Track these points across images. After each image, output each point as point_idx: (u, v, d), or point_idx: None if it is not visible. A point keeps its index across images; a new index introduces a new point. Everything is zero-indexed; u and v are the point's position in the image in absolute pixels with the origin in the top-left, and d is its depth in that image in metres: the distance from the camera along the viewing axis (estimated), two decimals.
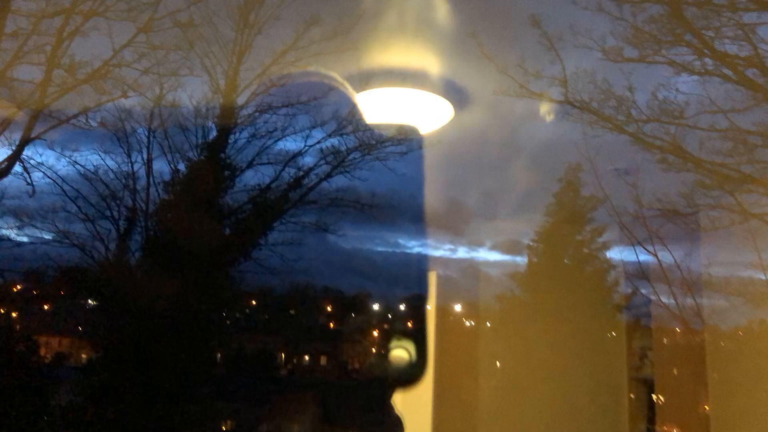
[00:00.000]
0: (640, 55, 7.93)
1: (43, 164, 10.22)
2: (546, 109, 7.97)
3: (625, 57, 8.00)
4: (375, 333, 12.07)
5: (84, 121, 9.71)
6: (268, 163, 11.31)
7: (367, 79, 10.91)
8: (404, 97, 7.85)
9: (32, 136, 9.19)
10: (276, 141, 11.37)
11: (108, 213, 11.32)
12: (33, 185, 9.83)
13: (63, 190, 11.07)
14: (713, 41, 7.49)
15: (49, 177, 10.58)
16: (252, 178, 11.33)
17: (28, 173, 9.59)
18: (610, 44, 7.93)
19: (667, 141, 7.92)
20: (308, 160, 11.28)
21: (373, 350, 12.07)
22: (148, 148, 11.19)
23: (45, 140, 9.53)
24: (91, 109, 9.66)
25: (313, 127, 11.25)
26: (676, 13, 7.45)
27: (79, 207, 11.16)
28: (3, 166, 9.10)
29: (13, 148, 9.08)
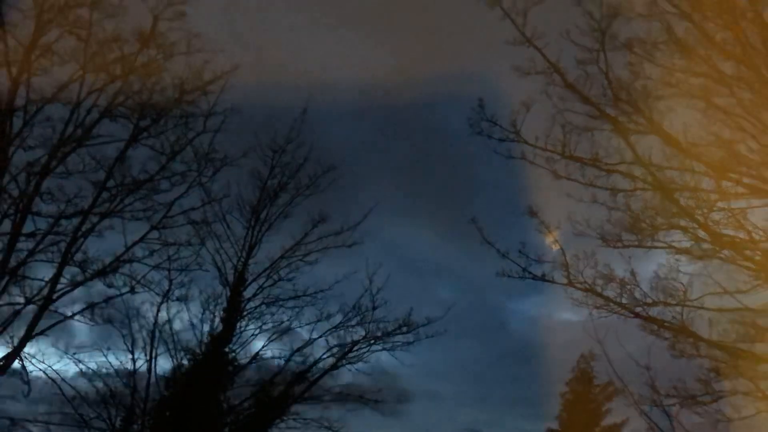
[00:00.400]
0: (637, 241, 8.12)
1: (43, 362, 10.18)
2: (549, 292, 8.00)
3: (624, 243, 8.19)
4: None
5: (90, 316, 9.73)
6: (272, 358, 11.31)
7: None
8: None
9: (35, 332, 9.10)
10: (281, 334, 11.48)
11: (105, 414, 10.97)
12: (29, 384, 9.59)
13: (60, 390, 10.85)
14: (707, 225, 7.68)
15: (47, 375, 10.46)
16: (256, 372, 11.28)
17: (26, 371, 9.39)
18: (607, 230, 8.17)
19: (675, 324, 7.80)
20: (313, 353, 11.17)
21: None
22: (152, 343, 11.09)
23: (48, 336, 9.47)
24: (99, 304, 9.74)
25: (319, 320, 11.31)
26: (670, 198, 7.74)
27: (74, 408, 10.87)
28: (1, 363, 8.89)
29: (15, 344, 8.94)
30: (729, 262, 7.65)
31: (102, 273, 9.52)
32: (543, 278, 8.08)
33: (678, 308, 7.78)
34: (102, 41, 9.07)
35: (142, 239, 9.65)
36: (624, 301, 7.90)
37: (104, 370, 10.58)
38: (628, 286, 7.94)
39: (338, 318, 11.01)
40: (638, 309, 7.90)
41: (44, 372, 10.10)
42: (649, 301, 7.89)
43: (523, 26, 8.11)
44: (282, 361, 10.83)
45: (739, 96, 7.44)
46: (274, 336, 10.98)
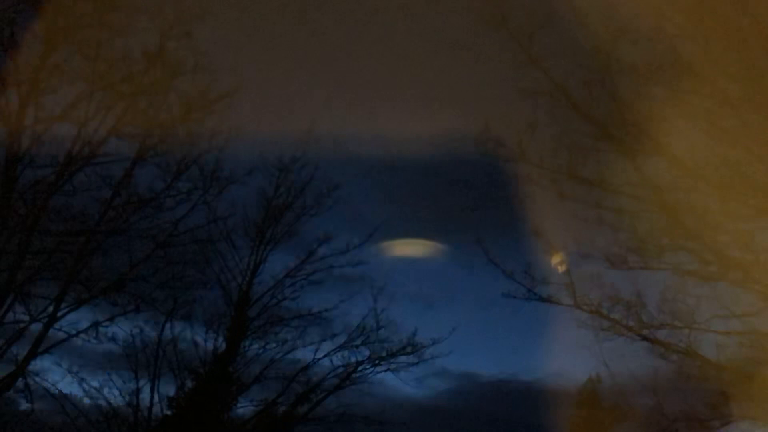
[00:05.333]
0: (644, 262, 8.06)
1: (47, 380, 10.19)
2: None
3: (630, 264, 8.13)
4: None
5: (94, 335, 9.74)
6: (276, 378, 11.27)
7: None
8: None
9: (40, 350, 9.10)
10: (285, 354, 11.43)
11: None
12: (33, 403, 9.58)
13: (63, 409, 10.84)
14: (714, 247, 7.63)
15: (50, 394, 10.46)
16: (259, 392, 11.22)
17: (30, 390, 9.39)
18: (613, 252, 8.12)
19: (682, 347, 7.73)
20: (317, 373, 11.11)
21: None
22: (156, 362, 11.12)
23: (52, 354, 9.48)
24: (103, 323, 9.76)
25: (324, 340, 11.24)
26: (676, 220, 7.70)
27: (77, 427, 10.82)
28: (5, 381, 8.88)
29: (19, 362, 8.93)
30: (736, 285, 7.59)
31: (107, 291, 9.56)
32: (549, 300, 8.06)
33: (685, 331, 7.73)
34: (110, 60, 9.15)
35: (147, 258, 9.68)
36: (630, 323, 7.86)
37: (107, 389, 10.57)
38: (635, 308, 7.90)
39: (342, 338, 11.00)
40: (645, 331, 7.85)
41: (47, 390, 10.12)
42: (655, 323, 7.84)
43: (529, 48, 8.16)
44: (286, 382, 10.79)
45: (745, 117, 7.42)
46: (278, 356, 10.94)
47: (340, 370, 10.97)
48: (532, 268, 8.08)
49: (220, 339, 10.69)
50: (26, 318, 8.96)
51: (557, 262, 8.16)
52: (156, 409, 10.54)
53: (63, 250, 9.26)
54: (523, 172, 8.18)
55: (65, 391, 10.36)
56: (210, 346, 10.70)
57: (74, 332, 9.48)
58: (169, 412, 10.42)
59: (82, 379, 10.50)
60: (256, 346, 10.81)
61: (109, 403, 10.54)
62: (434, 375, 12.34)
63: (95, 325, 9.61)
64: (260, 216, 11.31)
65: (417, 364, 10.98)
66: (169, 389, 10.69)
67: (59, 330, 9.25)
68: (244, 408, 10.76)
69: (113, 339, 10.12)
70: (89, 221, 9.33)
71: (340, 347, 11.03)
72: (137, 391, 10.64)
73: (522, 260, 8.18)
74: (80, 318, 9.45)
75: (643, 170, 7.76)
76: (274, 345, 10.90)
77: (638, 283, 7.93)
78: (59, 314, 9.10)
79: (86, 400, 10.58)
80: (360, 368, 10.96)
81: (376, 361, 10.96)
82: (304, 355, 11.13)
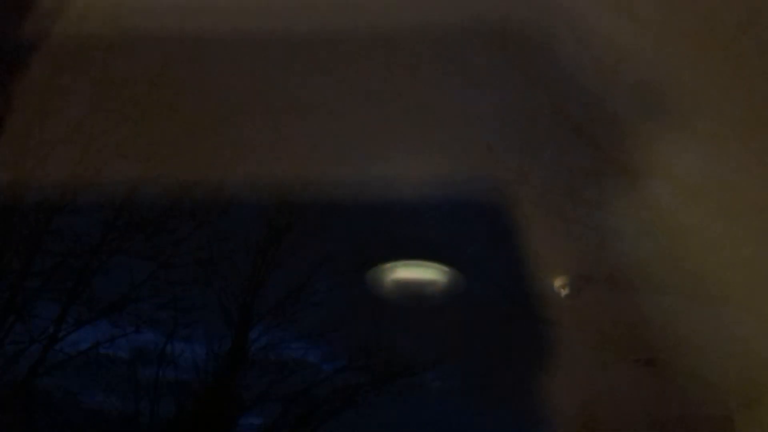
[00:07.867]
0: (647, 285, 8.04)
1: (46, 402, 10.13)
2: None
3: (633, 287, 8.11)
4: None
5: (95, 356, 9.74)
6: (276, 400, 11.18)
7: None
8: None
9: (40, 372, 9.10)
10: (286, 376, 11.48)
11: None
12: (33, 425, 9.56)
13: (62, 431, 10.79)
14: (716, 270, 7.62)
15: (50, 416, 10.39)
16: (260, 414, 11.35)
17: (29, 411, 9.37)
18: (616, 274, 8.11)
19: (687, 371, 7.69)
20: (318, 395, 11.09)
21: None
22: (156, 383, 11.06)
23: (52, 376, 9.45)
24: (103, 344, 9.75)
25: (325, 361, 11.45)
26: (678, 242, 7.69)
27: None
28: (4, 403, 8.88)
29: (18, 383, 8.93)
30: (740, 308, 7.57)
31: (108, 312, 9.58)
32: (551, 322, 8.02)
33: (689, 354, 7.70)
34: (114, 82, 9.23)
35: (148, 278, 9.70)
36: (633, 346, 7.83)
37: (107, 411, 10.52)
38: (637, 331, 7.87)
39: (343, 360, 10.95)
40: (649, 355, 7.82)
41: (47, 412, 10.08)
42: (658, 346, 7.81)
43: (530, 69, 8.19)
44: (287, 404, 10.73)
45: (747, 140, 7.42)
46: (279, 377, 10.89)
47: (342, 392, 10.93)
48: (534, 291, 8.06)
49: (221, 360, 10.67)
50: (26, 339, 8.98)
51: (559, 284, 8.14)
52: (156, 430, 10.51)
53: (64, 271, 9.29)
54: (524, 193, 8.19)
55: (65, 412, 10.31)
56: (211, 367, 10.68)
57: (74, 353, 9.53)
58: None
59: (82, 401, 10.46)
60: (257, 367, 10.80)
61: (109, 425, 10.50)
62: (435, 395, 12.29)
63: (96, 345, 9.62)
64: (262, 236, 11.30)
65: (419, 386, 10.94)
66: (169, 411, 10.67)
67: (59, 351, 9.29)
68: (245, 430, 10.71)
69: (113, 360, 10.11)
70: (91, 241, 9.36)
71: (342, 369, 11.00)
72: (137, 413, 10.61)
73: (524, 283, 8.17)
74: (81, 339, 9.47)
75: (645, 192, 7.76)
76: (274, 367, 10.89)
77: (641, 305, 7.91)
78: (60, 335, 9.15)
79: (86, 422, 10.55)
80: (361, 390, 10.92)
81: (378, 384, 10.91)
82: (304, 376, 11.12)
